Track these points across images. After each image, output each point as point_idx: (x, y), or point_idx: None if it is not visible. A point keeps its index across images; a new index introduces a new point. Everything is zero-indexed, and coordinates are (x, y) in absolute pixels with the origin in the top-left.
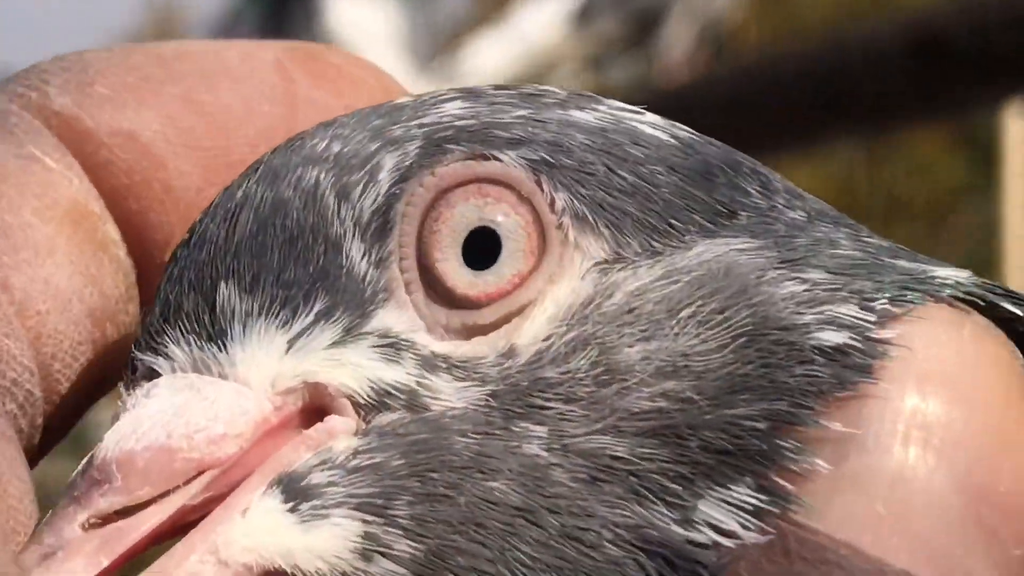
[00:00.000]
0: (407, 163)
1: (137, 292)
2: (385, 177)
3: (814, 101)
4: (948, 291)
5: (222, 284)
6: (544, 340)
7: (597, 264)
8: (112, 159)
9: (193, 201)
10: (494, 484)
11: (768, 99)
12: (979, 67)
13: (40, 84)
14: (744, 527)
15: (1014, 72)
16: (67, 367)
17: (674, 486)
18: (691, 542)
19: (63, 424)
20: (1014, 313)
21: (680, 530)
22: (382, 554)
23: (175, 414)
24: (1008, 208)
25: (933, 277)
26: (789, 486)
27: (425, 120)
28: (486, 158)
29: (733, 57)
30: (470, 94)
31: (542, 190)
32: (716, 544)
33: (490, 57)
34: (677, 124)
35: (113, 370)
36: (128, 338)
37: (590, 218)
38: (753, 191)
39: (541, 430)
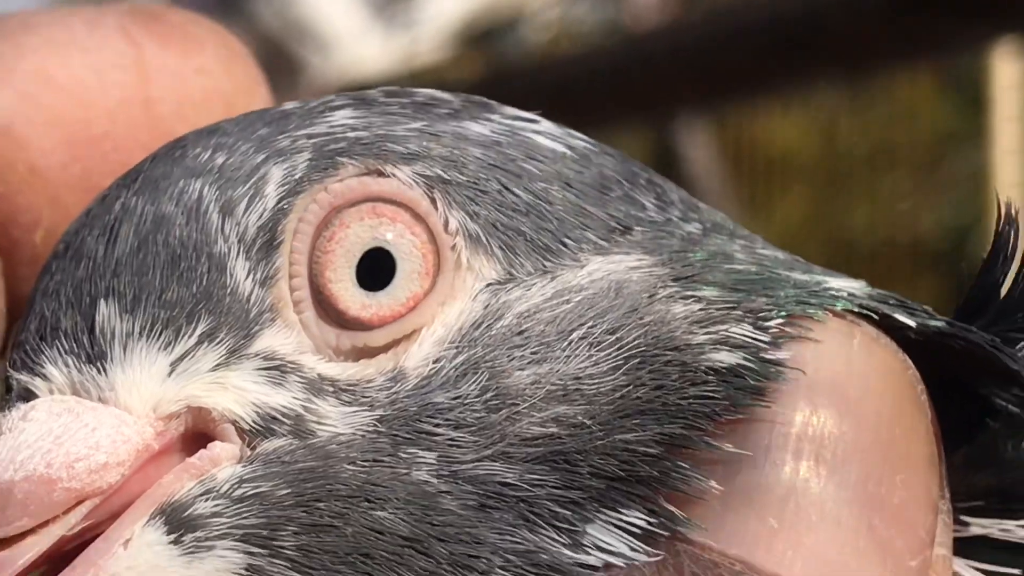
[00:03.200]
0: (296, 176)
1: (3, 283)
2: (272, 191)
3: (789, 45)
4: (841, 304)
5: (102, 303)
6: (433, 363)
7: (489, 285)
8: None
9: (59, 178)
10: (382, 513)
11: (742, 44)
12: (959, 6)
13: None
14: (632, 549)
15: (997, 12)
16: None
17: (564, 511)
18: (581, 565)
19: None
20: (906, 323)
21: (570, 553)
22: None
23: (54, 442)
24: (998, 154)
25: (827, 289)
26: (677, 510)
27: (315, 130)
28: (381, 174)
29: (707, 0)
30: (361, 102)
31: (437, 209)
32: (607, 565)
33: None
34: (573, 132)
35: None
36: None
37: (483, 239)
38: (649, 204)
39: (430, 456)
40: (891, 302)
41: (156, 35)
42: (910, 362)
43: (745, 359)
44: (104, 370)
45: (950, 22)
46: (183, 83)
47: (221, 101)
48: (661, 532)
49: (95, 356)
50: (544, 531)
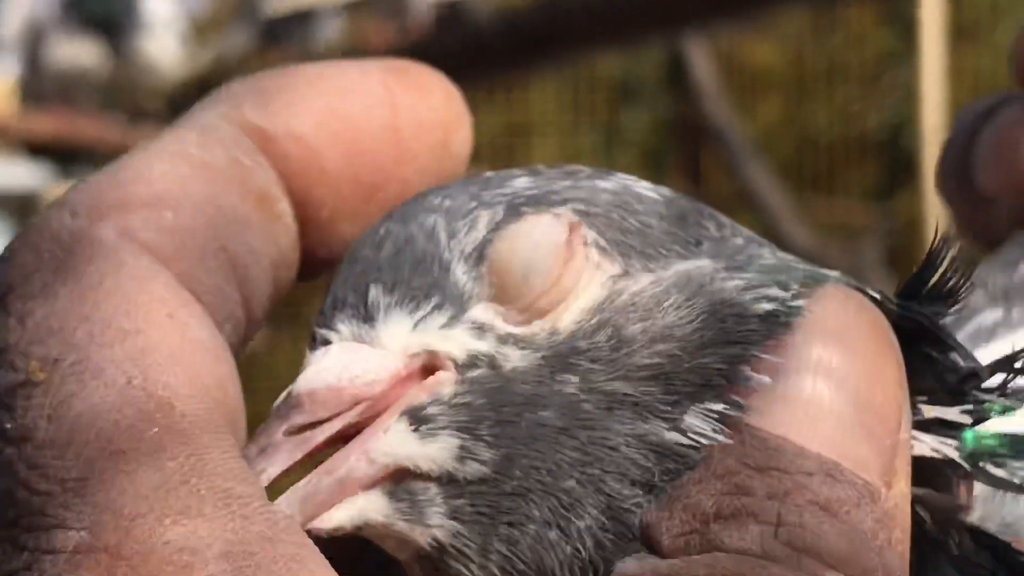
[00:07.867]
0: (497, 219)
1: (299, 244)
2: (483, 226)
3: None
4: (833, 281)
5: (372, 287)
6: (577, 323)
7: (612, 277)
8: (288, 153)
9: (339, 176)
10: (544, 413)
11: None
12: None
13: (238, 104)
14: (715, 431)
15: None
16: (258, 300)
17: (666, 408)
18: (679, 444)
19: (254, 335)
20: (874, 297)
21: (673, 435)
22: (472, 458)
23: (343, 367)
24: (925, 70)
25: (823, 274)
26: (743, 400)
27: (505, 191)
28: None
29: None
30: (532, 172)
31: (580, 228)
32: (699, 444)
33: None
34: (660, 187)
35: (283, 296)
36: (291, 274)
37: (608, 249)
38: (711, 227)
39: (575, 379)
40: (857, 286)
41: (403, 83)
42: (885, 318)
43: (777, 306)
44: (374, 327)
45: None
46: (419, 116)
47: (442, 128)
48: (733, 415)
49: (368, 318)
50: (654, 421)
